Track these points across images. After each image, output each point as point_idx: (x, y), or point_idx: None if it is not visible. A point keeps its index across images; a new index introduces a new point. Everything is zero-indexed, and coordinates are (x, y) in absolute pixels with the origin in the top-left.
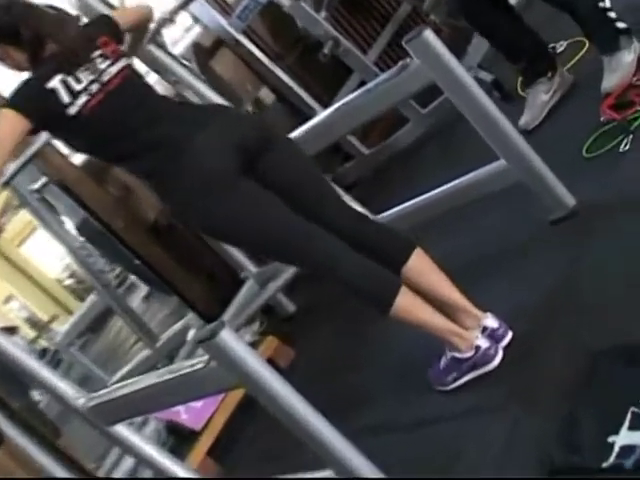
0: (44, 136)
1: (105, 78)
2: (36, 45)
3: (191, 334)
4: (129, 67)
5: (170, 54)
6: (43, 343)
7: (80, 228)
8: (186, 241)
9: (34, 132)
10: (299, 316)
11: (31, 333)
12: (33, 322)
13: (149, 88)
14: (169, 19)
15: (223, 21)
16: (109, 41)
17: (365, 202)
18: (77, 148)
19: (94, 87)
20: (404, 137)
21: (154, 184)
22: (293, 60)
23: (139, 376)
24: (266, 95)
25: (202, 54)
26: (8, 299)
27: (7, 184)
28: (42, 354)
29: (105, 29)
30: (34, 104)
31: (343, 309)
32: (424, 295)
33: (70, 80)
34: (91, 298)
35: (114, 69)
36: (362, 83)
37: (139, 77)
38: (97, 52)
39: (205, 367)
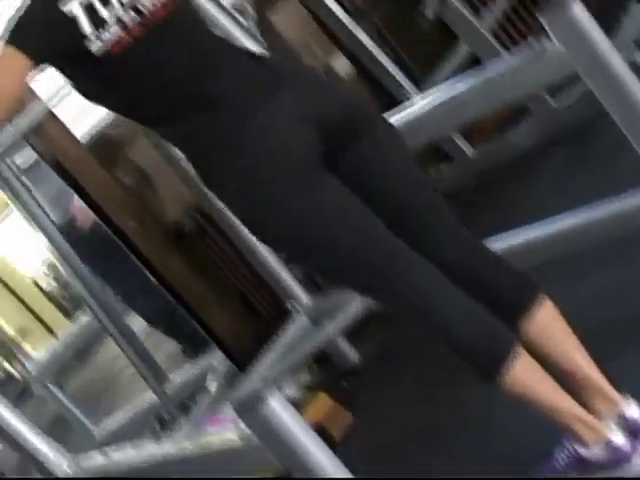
0: (42, 105)
1: (145, 6)
2: None
3: (213, 384)
4: None
5: (221, 6)
6: (5, 366)
7: (65, 229)
8: (216, 253)
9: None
10: (364, 370)
11: None
12: None
13: (203, 25)
14: None
15: None
16: None
17: (464, 219)
18: (94, 97)
19: (129, 17)
20: (524, 136)
21: (199, 160)
22: (381, 19)
23: (144, 440)
24: (341, 64)
25: (260, 4)
26: None
27: None
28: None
29: None
30: (40, 35)
31: (428, 365)
32: (544, 362)
33: (96, 2)
34: (82, 320)
35: None
36: (472, 58)
37: (192, 9)
38: None
39: (243, 445)
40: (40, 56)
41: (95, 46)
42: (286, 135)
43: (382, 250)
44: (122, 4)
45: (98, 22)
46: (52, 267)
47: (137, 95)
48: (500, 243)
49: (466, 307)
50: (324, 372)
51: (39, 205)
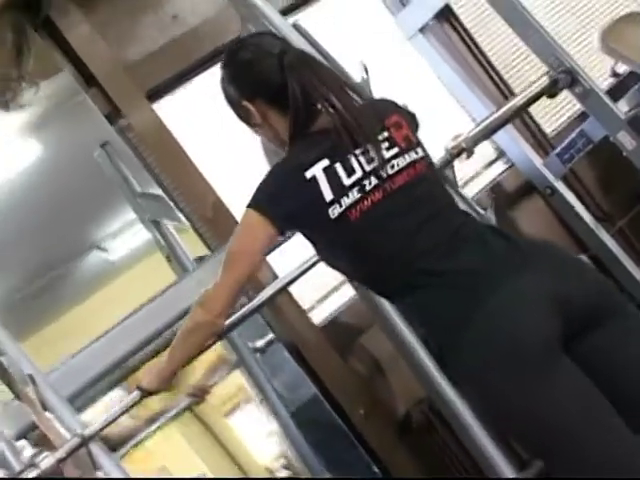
0: (280, 283)
1: (387, 172)
2: (304, 112)
3: None
4: (424, 161)
5: (461, 195)
6: None
7: (296, 414)
8: (443, 449)
9: (281, 233)
10: None
11: None
12: None
13: (446, 195)
14: (465, 149)
15: (537, 160)
16: (402, 123)
17: None
18: (334, 265)
19: (370, 182)
20: None
21: (432, 334)
22: (627, 224)
23: None
24: None
25: (502, 200)
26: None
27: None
28: None
29: (400, 109)
30: (285, 202)
31: None
32: None
33: (338, 169)
34: None
35: (402, 162)
36: None
37: (436, 179)
38: (383, 134)
39: None
40: (285, 222)
41: (335, 211)
42: (526, 314)
43: (624, 447)
44: (364, 172)
45: (339, 188)
46: (284, 455)
47: (371, 262)
48: None
49: None
50: None
51: (274, 390)
